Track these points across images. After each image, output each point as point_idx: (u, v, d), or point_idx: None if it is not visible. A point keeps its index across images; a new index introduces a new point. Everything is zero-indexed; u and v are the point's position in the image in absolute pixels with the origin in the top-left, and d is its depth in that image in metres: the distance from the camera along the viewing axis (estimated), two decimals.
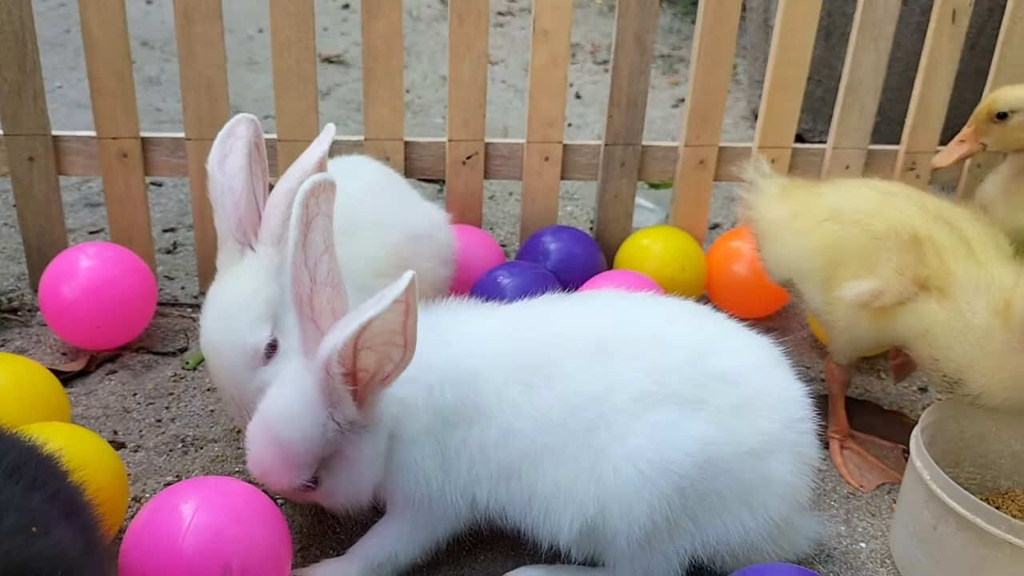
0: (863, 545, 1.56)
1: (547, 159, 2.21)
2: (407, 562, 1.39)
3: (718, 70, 2.17)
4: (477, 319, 1.41)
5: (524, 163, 2.21)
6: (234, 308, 1.44)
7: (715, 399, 1.31)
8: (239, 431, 1.69)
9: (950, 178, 2.39)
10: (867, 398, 1.97)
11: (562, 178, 2.25)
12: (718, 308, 1.51)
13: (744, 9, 3.48)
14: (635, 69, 2.14)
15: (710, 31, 2.13)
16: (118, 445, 1.68)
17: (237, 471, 1.63)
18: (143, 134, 2.06)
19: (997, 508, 1.47)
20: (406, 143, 2.15)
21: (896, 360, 1.93)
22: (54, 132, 2.03)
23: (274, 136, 2.09)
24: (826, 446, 1.77)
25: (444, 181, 2.22)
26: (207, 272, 1.62)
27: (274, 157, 2.10)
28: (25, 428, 1.20)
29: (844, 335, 1.67)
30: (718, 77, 2.17)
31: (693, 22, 2.15)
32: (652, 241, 2.18)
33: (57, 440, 1.23)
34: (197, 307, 1.49)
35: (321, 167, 1.48)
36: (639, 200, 2.60)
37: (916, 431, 1.49)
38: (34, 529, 0.82)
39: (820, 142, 2.34)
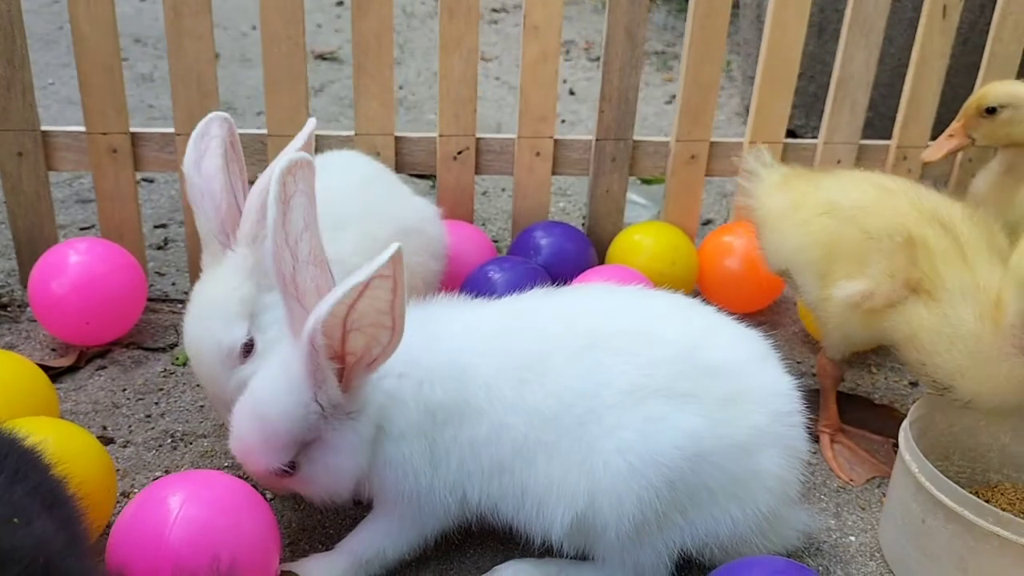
0: (853, 538, 1.56)
1: (538, 154, 2.21)
2: (395, 558, 1.39)
3: (709, 65, 2.17)
4: (467, 315, 1.41)
5: (515, 158, 2.21)
6: (210, 309, 1.45)
7: (705, 392, 1.31)
8: (227, 427, 1.68)
9: (941, 172, 2.39)
10: (858, 392, 1.97)
11: (553, 173, 2.25)
12: (710, 303, 1.51)
13: (737, 5, 3.48)
14: (626, 64, 2.14)
15: (701, 26, 2.13)
16: (107, 440, 1.67)
17: (226, 466, 1.63)
18: (133, 129, 2.05)
19: (986, 502, 1.47)
20: (397, 138, 2.15)
21: None
22: (43, 127, 2.03)
23: (264, 131, 2.09)
24: (816, 440, 1.77)
25: (436, 177, 2.22)
26: (198, 268, 1.62)
27: (264, 152, 2.09)
28: (11, 423, 1.20)
29: (836, 332, 1.67)
30: (709, 72, 2.17)
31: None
32: (643, 236, 2.18)
33: (44, 435, 1.22)
34: (187, 303, 1.50)
35: None
36: (631, 196, 2.59)
37: (905, 424, 1.49)
38: (16, 520, 0.82)
39: (813, 138, 2.34)
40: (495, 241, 2.47)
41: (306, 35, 2.02)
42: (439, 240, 1.92)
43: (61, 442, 1.28)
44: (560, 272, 1.98)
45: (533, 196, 2.25)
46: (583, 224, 2.40)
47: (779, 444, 1.35)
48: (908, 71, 2.25)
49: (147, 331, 2.03)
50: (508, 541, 1.45)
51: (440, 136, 2.16)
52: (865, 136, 2.31)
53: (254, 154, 2.09)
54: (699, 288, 2.22)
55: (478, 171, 2.22)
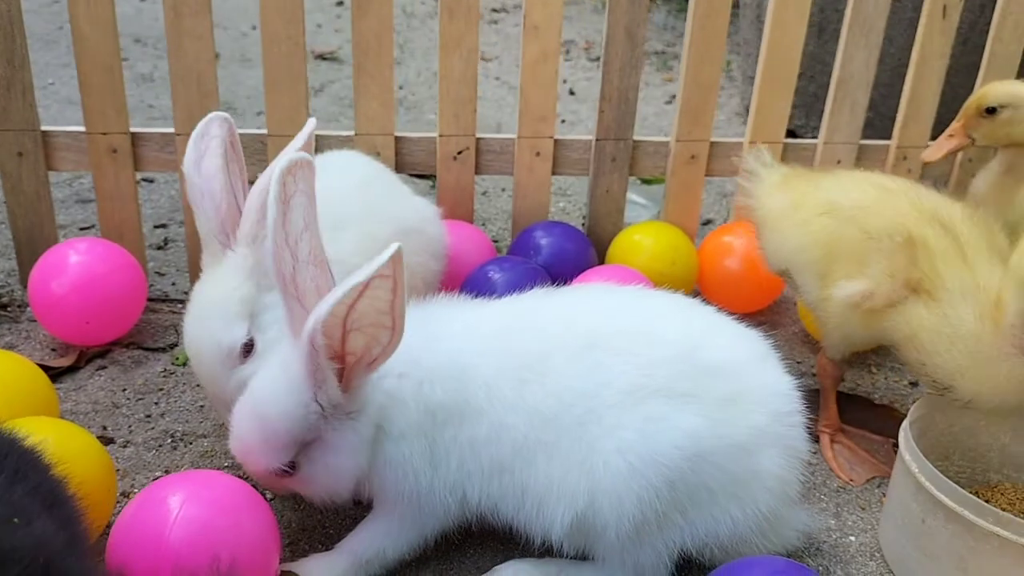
0: (853, 538, 1.56)
1: (538, 154, 2.21)
2: (395, 558, 1.39)
3: (709, 65, 2.16)
4: (467, 315, 1.41)
5: (515, 158, 2.21)
6: (209, 309, 1.45)
7: (705, 392, 1.31)
8: (227, 427, 1.68)
9: (941, 173, 2.39)
10: (858, 392, 1.97)
11: (553, 173, 2.25)
12: (710, 303, 1.51)
13: (737, 6, 3.48)
14: (626, 64, 2.14)
15: (701, 26, 2.13)
16: (107, 440, 1.67)
17: (226, 466, 1.63)
18: (133, 129, 2.05)
19: (986, 502, 1.47)
20: (397, 138, 2.15)
21: None
22: (43, 127, 2.03)
23: (265, 131, 2.09)
24: (817, 440, 1.77)
25: (436, 177, 2.22)
26: (198, 268, 1.63)
27: (264, 152, 2.09)
28: (11, 423, 1.20)
29: (836, 332, 1.67)
30: (709, 72, 2.17)
31: None
32: (643, 236, 2.18)
33: (43, 435, 1.22)
34: (187, 303, 1.51)
35: None
36: (632, 196, 2.60)
37: (905, 424, 1.49)
38: (16, 520, 0.82)
39: (813, 138, 2.34)
40: (495, 241, 2.47)
41: (306, 35, 2.02)
42: (439, 240, 1.92)
43: (61, 442, 1.28)
44: (560, 272, 1.98)
45: (533, 196, 2.25)
46: (583, 224, 2.40)
47: (779, 444, 1.35)
48: (908, 71, 2.25)
49: (147, 331, 2.03)
50: (508, 541, 1.45)
51: (440, 136, 2.16)
52: (865, 136, 2.31)
53: (254, 154, 2.09)
54: (699, 288, 2.22)
55: (478, 171, 2.22)
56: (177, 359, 1.94)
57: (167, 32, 1.97)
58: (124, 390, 1.83)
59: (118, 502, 1.48)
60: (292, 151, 1.47)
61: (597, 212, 2.29)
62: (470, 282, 1.93)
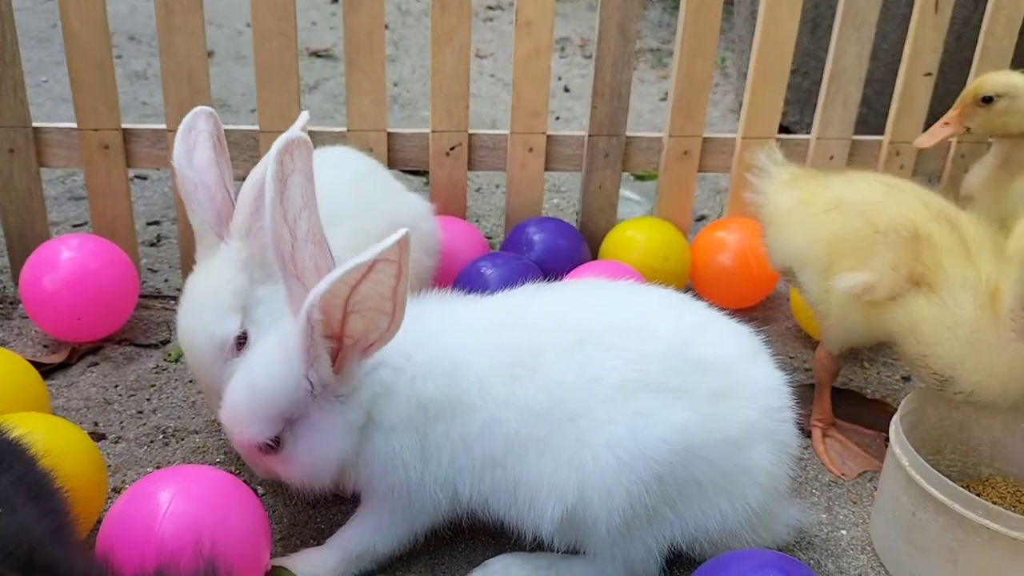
0: (844, 532, 1.56)
1: (531, 150, 2.21)
2: (385, 553, 1.39)
3: (701, 60, 2.16)
4: (460, 311, 1.41)
5: (508, 154, 2.21)
6: (203, 302, 1.45)
7: (695, 387, 1.31)
8: (220, 423, 1.68)
9: (934, 168, 2.39)
10: (850, 387, 1.97)
11: (546, 169, 2.25)
12: (702, 298, 1.50)
13: (731, 2, 3.48)
14: (618, 59, 2.14)
15: (693, 21, 2.13)
16: (99, 436, 1.67)
17: (218, 462, 1.63)
18: (124, 126, 2.05)
19: (977, 495, 1.47)
20: (389, 134, 2.15)
21: None
22: (35, 124, 2.02)
23: (257, 128, 2.09)
24: (809, 434, 1.77)
25: (428, 172, 2.22)
26: (190, 265, 1.63)
27: (256, 148, 2.09)
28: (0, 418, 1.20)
29: (837, 325, 1.67)
30: (701, 67, 2.17)
31: None
32: (636, 232, 2.18)
33: (33, 430, 1.22)
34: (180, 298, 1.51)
35: None
36: (625, 193, 2.59)
37: (896, 418, 1.49)
38: (0, 509, 0.82)
39: (807, 135, 2.34)
40: (489, 238, 2.47)
41: (301, 32, 2.03)
42: (432, 236, 1.92)
43: (50, 437, 1.28)
44: (553, 268, 1.98)
45: (526, 192, 2.25)
46: (576, 221, 2.40)
47: (769, 439, 1.35)
48: (900, 65, 2.25)
49: (139, 327, 2.03)
50: (499, 536, 1.45)
51: (432, 132, 2.16)
52: (861, 133, 2.31)
53: (246, 150, 2.09)
54: (692, 284, 2.22)
55: (471, 167, 2.22)
56: (169, 355, 1.93)
57: (158, 28, 1.97)
58: (116, 386, 1.83)
59: (109, 498, 1.48)
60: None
61: (590, 208, 2.29)
62: (462, 278, 1.93)
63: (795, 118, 3.26)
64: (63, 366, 1.87)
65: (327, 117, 3.33)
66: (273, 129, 2.06)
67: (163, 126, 2.06)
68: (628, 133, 2.24)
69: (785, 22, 2.15)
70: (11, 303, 2.08)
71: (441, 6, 2.04)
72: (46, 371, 1.81)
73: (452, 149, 2.17)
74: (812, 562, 1.49)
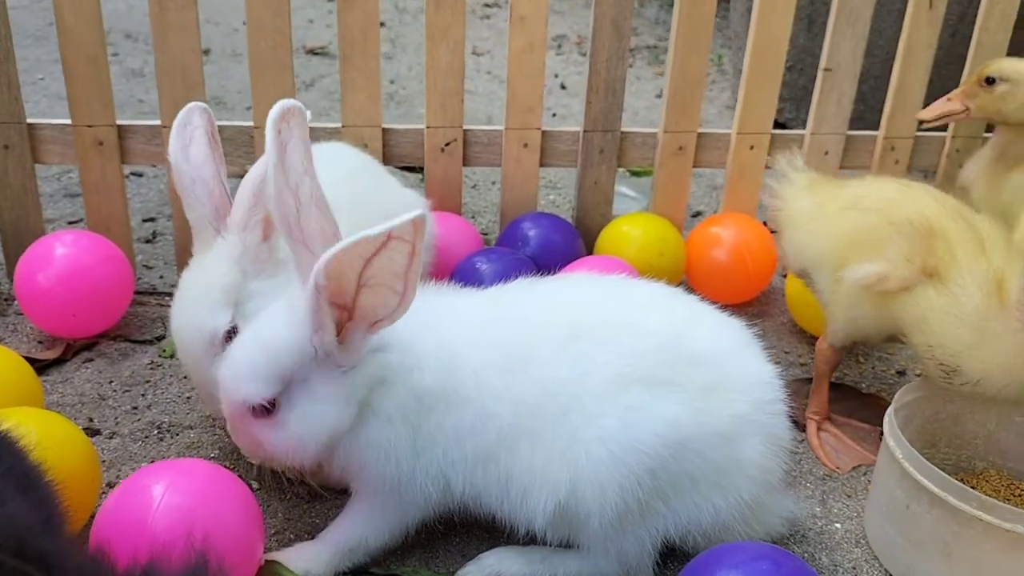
0: (838, 525, 1.57)
1: (526, 146, 2.21)
2: (377, 546, 1.39)
3: (696, 56, 2.16)
4: (456, 304, 1.41)
5: (503, 150, 2.21)
6: (195, 295, 1.45)
7: (687, 381, 1.31)
8: (215, 418, 1.68)
9: (929, 164, 2.39)
10: (846, 381, 1.97)
11: (542, 165, 2.25)
12: (697, 294, 1.50)
13: None
14: (613, 55, 2.14)
15: (687, 16, 2.13)
16: (93, 432, 1.67)
17: (212, 457, 1.63)
18: (119, 122, 2.05)
19: (972, 488, 1.47)
20: (384, 130, 2.15)
21: None
22: (30, 120, 2.02)
23: (251, 124, 2.09)
24: (804, 428, 1.78)
25: (424, 168, 2.22)
26: (185, 261, 1.63)
27: (252, 144, 2.09)
28: None
29: (845, 315, 1.67)
30: (696, 63, 2.17)
31: None
32: (631, 227, 2.18)
33: (27, 425, 1.22)
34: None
35: None
36: (621, 189, 2.60)
37: (890, 411, 1.50)
38: None
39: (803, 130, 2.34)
40: (484, 234, 2.47)
41: (298, 30, 2.02)
42: (428, 232, 1.91)
43: (43, 432, 1.28)
44: (548, 263, 1.98)
45: (521, 188, 2.25)
46: (572, 217, 2.40)
47: (761, 433, 1.35)
48: (895, 61, 2.25)
49: (134, 324, 2.03)
50: (493, 530, 1.45)
51: (427, 128, 2.16)
52: (857, 129, 2.31)
53: (241, 146, 2.08)
54: (687, 279, 2.22)
55: (466, 163, 2.22)
56: (164, 351, 1.93)
57: (152, 25, 1.97)
58: (111, 382, 1.83)
59: (103, 493, 1.48)
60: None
61: (585, 203, 2.29)
62: (458, 273, 1.93)
63: (791, 114, 3.26)
64: (58, 362, 1.87)
65: (324, 114, 3.33)
66: None
67: (158, 122, 2.05)
68: (623, 129, 2.24)
69: (780, 18, 2.15)
70: (6, 299, 2.07)
71: (435, 3, 2.04)
72: (41, 367, 1.81)
73: (447, 145, 2.17)
74: (806, 555, 1.49)
